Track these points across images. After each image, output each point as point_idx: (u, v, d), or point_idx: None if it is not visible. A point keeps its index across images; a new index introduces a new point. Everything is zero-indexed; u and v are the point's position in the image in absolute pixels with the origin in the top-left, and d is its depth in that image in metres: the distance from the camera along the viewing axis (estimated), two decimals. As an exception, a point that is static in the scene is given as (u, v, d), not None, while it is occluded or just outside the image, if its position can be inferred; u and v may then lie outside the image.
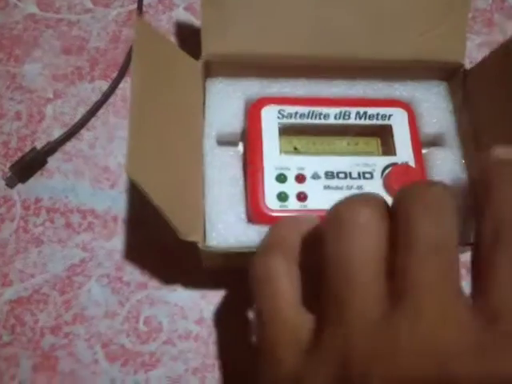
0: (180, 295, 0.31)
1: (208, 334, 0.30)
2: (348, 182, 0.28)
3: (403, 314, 0.16)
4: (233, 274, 0.31)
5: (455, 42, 0.30)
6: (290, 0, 0.29)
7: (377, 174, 0.28)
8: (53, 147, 0.33)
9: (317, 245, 0.20)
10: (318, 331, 0.18)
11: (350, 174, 0.28)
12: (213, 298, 0.31)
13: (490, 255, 0.17)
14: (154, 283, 0.31)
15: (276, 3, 0.29)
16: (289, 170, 0.28)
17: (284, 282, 0.20)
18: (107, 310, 0.30)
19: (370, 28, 0.29)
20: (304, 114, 0.29)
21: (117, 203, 0.33)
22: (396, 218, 0.18)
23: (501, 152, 0.18)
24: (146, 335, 0.30)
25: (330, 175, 0.28)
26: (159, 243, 0.31)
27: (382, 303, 0.17)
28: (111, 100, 0.35)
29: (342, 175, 0.28)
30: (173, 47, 0.28)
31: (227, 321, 0.30)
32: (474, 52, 0.40)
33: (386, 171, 0.28)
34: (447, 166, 0.29)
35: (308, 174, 0.28)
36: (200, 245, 0.25)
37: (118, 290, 0.31)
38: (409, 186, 0.18)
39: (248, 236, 0.27)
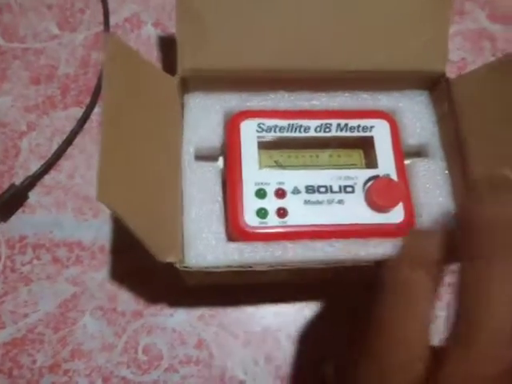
0: (177, 320, 0.31)
1: (209, 356, 0.30)
2: (329, 196, 0.27)
3: None
4: (224, 290, 0.31)
5: (437, 51, 0.29)
6: (267, 13, 0.28)
7: (358, 188, 0.28)
8: (32, 181, 0.32)
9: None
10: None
11: (331, 187, 0.28)
12: (210, 319, 0.31)
13: None
14: (149, 310, 0.31)
15: (253, 15, 0.28)
16: (268, 184, 0.28)
17: (425, 305, 0.18)
18: (104, 342, 0.30)
19: (350, 39, 0.29)
20: (284, 128, 0.29)
21: (102, 232, 0.32)
22: None
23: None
24: (147, 364, 0.30)
25: (310, 189, 0.28)
26: (150, 268, 0.31)
27: None
28: (87, 126, 0.35)
29: (322, 189, 0.28)
30: (147, 64, 0.28)
31: (227, 340, 0.30)
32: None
33: (368, 184, 0.28)
34: (430, 177, 0.29)
35: (288, 188, 0.28)
36: (177, 265, 0.25)
37: (113, 321, 0.30)
38: None
39: (227, 254, 0.27)
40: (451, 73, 0.39)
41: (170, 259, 0.24)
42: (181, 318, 0.31)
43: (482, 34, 0.41)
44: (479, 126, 0.28)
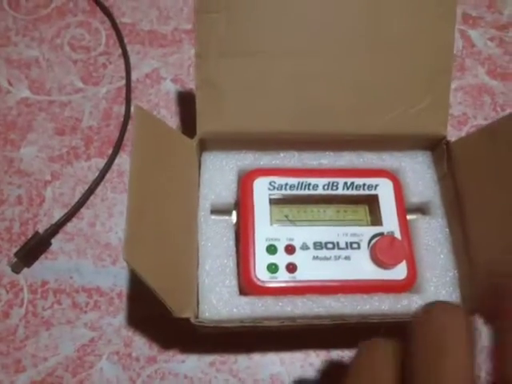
0: (189, 366, 0.32)
1: (219, 402, 0.31)
2: (336, 252, 0.29)
3: None
4: (236, 337, 0.32)
5: (438, 115, 0.31)
6: (277, 81, 0.30)
7: (364, 244, 0.29)
8: (55, 229, 0.34)
9: None
10: None
11: (338, 244, 0.29)
12: (220, 366, 0.32)
13: None
14: (162, 356, 0.32)
15: (264, 83, 0.30)
16: (279, 240, 0.30)
17: (461, 357, 0.18)
18: (120, 387, 0.31)
19: (356, 105, 0.31)
20: (294, 186, 0.31)
21: (120, 279, 0.34)
22: None
23: None
24: (159, 409, 0.31)
25: (318, 245, 0.29)
26: (163, 315, 0.32)
27: None
28: (108, 177, 0.37)
29: (330, 245, 0.29)
30: (169, 129, 0.30)
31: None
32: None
33: (373, 241, 0.29)
34: (432, 234, 0.31)
35: (297, 244, 0.29)
36: (192, 320, 0.26)
37: (128, 366, 0.32)
38: None
39: (239, 308, 0.28)
40: (452, 126, 0.41)
41: (185, 315, 0.26)
42: (192, 364, 0.32)
43: (482, 89, 0.43)
44: (476, 186, 0.30)
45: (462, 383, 0.17)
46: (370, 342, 0.20)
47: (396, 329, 0.33)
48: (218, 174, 0.32)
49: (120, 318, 0.33)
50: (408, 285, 0.29)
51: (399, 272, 0.29)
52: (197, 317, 0.28)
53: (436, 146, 0.33)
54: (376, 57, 0.31)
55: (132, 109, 0.39)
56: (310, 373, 0.32)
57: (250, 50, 0.30)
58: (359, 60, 0.31)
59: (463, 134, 0.41)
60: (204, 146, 0.32)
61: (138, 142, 0.26)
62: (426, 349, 0.18)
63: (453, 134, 0.39)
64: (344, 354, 0.33)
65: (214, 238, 0.30)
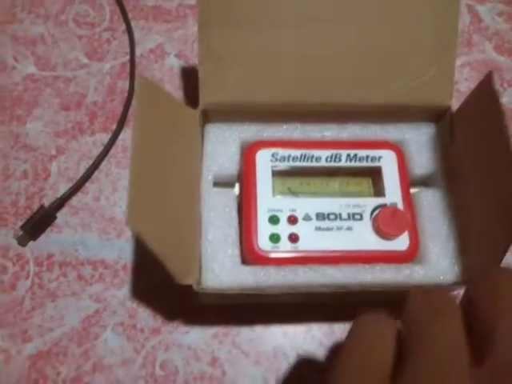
0: (192, 337, 0.32)
1: (222, 373, 0.31)
2: (338, 223, 0.29)
3: None
4: (239, 310, 0.32)
5: (443, 85, 0.31)
6: (282, 52, 0.30)
7: (366, 215, 0.29)
8: (60, 203, 0.35)
9: None
10: None
11: (340, 215, 0.29)
12: (223, 338, 0.32)
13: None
14: (166, 327, 0.32)
15: (267, 53, 0.30)
16: (281, 211, 0.30)
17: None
18: (124, 357, 0.32)
19: (360, 75, 0.31)
20: (296, 157, 0.31)
21: (125, 252, 0.34)
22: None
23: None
24: (163, 379, 0.31)
25: (320, 216, 0.29)
26: (167, 287, 0.33)
27: None
28: (112, 151, 0.37)
29: (332, 216, 0.29)
30: (172, 99, 0.30)
31: (239, 358, 0.32)
32: (456, 73, 0.41)
33: (375, 213, 0.29)
34: (435, 206, 0.31)
35: (300, 215, 0.29)
36: (194, 287, 0.26)
37: (132, 337, 0.32)
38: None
39: (241, 277, 0.28)
40: (459, 101, 0.41)
41: (188, 281, 0.26)
42: (196, 335, 0.32)
43: (488, 65, 0.42)
44: (477, 155, 0.29)
45: (454, 344, 0.17)
46: (363, 317, 0.21)
47: (397, 300, 0.33)
48: (221, 146, 0.32)
49: (125, 290, 0.33)
50: (410, 255, 0.29)
51: (401, 242, 0.29)
52: (199, 285, 0.28)
53: (440, 118, 0.32)
54: (380, 27, 0.31)
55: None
56: (313, 345, 0.33)
57: (252, 20, 0.29)
58: (363, 30, 0.31)
59: (470, 110, 0.40)
60: (207, 118, 0.32)
61: (140, 111, 0.26)
62: (422, 312, 0.19)
63: (459, 110, 0.38)
64: (346, 328, 0.33)
65: (217, 209, 0.30)
